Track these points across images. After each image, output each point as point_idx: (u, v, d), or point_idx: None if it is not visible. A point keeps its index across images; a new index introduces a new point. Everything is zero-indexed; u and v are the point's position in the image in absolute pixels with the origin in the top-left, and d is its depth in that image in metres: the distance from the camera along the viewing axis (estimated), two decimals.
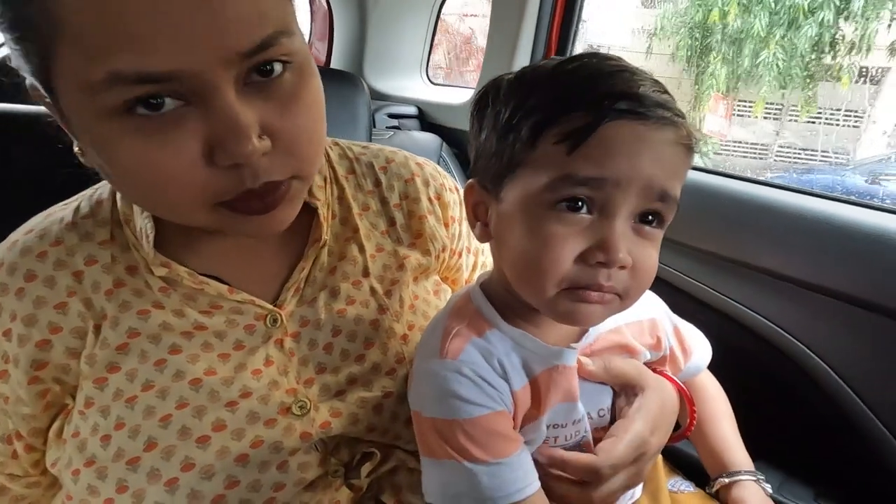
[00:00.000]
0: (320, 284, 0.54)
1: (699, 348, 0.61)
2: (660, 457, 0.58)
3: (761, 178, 1.04)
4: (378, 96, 1.51)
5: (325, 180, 0.57)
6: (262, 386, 0.49)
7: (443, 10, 1.70)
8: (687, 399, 0.56)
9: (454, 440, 0.44)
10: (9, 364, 0.46)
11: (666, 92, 0.42)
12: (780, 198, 0.92)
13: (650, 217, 0.42)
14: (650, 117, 0.40)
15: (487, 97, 0.47)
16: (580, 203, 0.40)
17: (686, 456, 0.81)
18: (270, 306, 0.51)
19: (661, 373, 0.55)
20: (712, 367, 0.63)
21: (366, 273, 0.56)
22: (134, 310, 0.48)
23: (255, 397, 0.48)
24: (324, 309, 0.53)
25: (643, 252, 0.42)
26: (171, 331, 0.48)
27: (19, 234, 0.50)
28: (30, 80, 0.41)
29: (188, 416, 0.46)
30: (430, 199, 0.60)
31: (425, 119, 1.52)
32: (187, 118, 0.38)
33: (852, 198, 0.91)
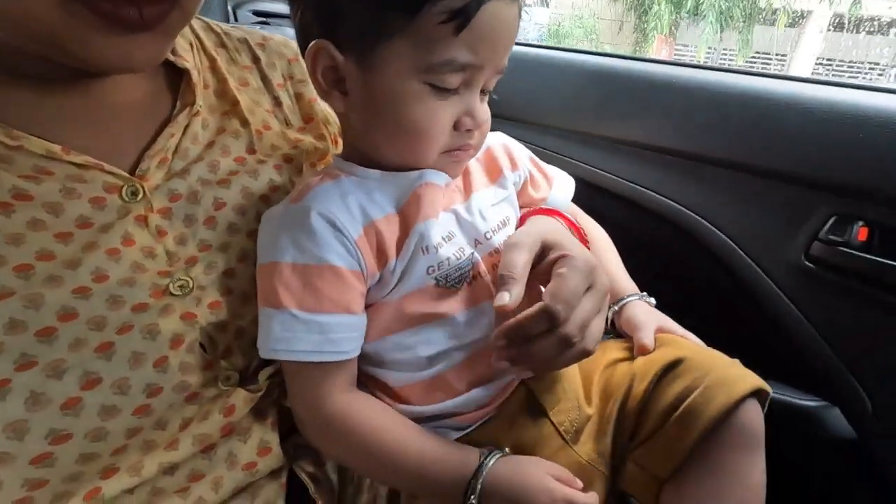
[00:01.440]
0: (195, 157, 0.47)
1: (560, 177, 0.63)
2: None
3: (641, 55, 1.05)
4: None
5: (191, 46, 0.51)
6: (122, 269, 0.41)
7: None
8: (574, 228, 0.57)
9: (279, 282, 0.43)
10: None
11: None
12: (651, 70, 0.92)
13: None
14: None
15: None
16: (454, 80, 0.43)
17: None
18: (126, 174, 0.43)
19: (541, 211, 0.57)
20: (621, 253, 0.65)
21: (251, 149, 0.50)
22: None
23: (115, 280, 0.40)
24: (200, 182, 0.47)
25: (486, 111, 0.48)
26: None
27: None
28: None
29: (17, 308, 0.37)
30: None
31: None
32: None
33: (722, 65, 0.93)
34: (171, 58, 0.47)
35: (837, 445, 0.75)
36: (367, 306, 0.47)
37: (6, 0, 0.34)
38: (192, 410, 0.43)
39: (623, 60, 1.01)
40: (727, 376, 0.47)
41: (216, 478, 0.44)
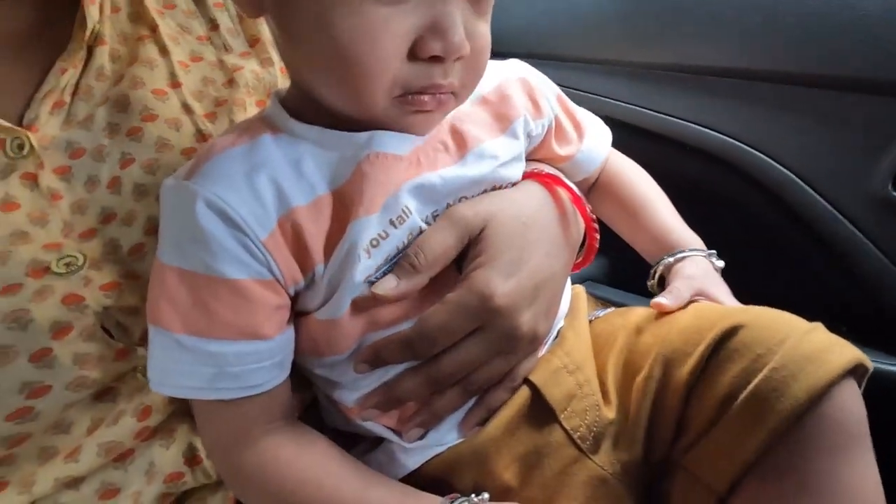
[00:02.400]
0: (100, 98, 0.40)
1: (595, 126, 0.52)
2: (581, 288, 0.50)
3: None
4: None
5: None
6: None
7: None
8: (576, 201, 0.44)
9: (163, 294, 0.34)
10: None
11: None
12: None
13: None
14: None
15: None
16: None
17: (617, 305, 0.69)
18: (9, 125, 0.37)
19: (533, 175, 0.44)
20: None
21: (174, 83, 0.43)
22: None
23: None
24: (106, 131, 0.40)
25: (478, 30, 0.34)
26: None
27: None
28: None
29: None
30: None
31: None
32: None
33: None
34: None
35: None
36: (298, 314, 0.38)
37: None
38: (101, 411, 0.37)
39: None
40: (809, 349, 0.34)
41: (134, 493, 0.37)
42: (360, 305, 0.36)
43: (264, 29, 0.48)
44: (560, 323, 0.45)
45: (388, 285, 0.35)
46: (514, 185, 0.43)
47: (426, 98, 0.33)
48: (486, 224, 0.38)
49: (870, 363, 0.34)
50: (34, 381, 0.34)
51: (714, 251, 0.49)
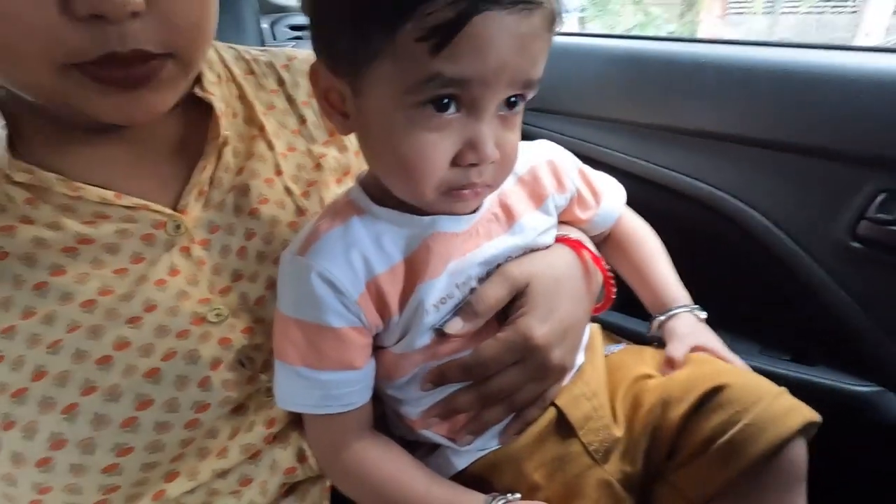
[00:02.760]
0: (228, 186, 0.50)
1: (610, 189, 0.58)
2: (597, 327, 0.58)
3: (660, 35, 1.00)
4: (276, 9, 1.37)
5: (219, 78, 0.53)
6: (168, 297, 0.44)
7: None
8: (594, 259, 0.53)
9: (286, 337, 0.44)
10: None
11: None
12: (682, 51, 0.88)
13: (514, 100, 0.40)
14: (517, 2, 0.35)
15: None
16: (447, 101, 0.37)
17: (628, 330, 0.83)
18: (170, 211, 0.46)
19: (564, 240, 0.52)
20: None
21: (278, 171, 0.52)
22: None
23: (162, 310, 0.43)
24: (234, 212, 0.49)
25: (508, 139, 0.41)
26: (48, 248, 0.42)
27: None
28: None
29: (82, 339, 0.41)
30: None
31: None
32: None
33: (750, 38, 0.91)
34: (199, 93, 0.49)
35: (893, 432, 0.71)
36: (377, 348, 0.47)
37: (15, 71, 0.38)
38: (239, 421, 0.46)
39: (647, 42, 0.98)
40: (774, 411, 0.43)
41: (262, 482, 0.48)
42: (426, 342, 0.45)
43: None
44: (581, 357, 0.53)
45: (456, 326, 0.44)
46: (548, 247, 0.51)
47: (466, 192, 0.41)
48: (530, 281, 0.47)
49: (819, 419, 0.43)
50: (200, 401, 0.43)
51: (697, 305, 0.57)
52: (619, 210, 0.59)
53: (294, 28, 1.31)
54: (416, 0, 0.34)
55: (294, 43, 1.26)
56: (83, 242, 0.43)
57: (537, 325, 0.45)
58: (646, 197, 0.84)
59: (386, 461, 0.46)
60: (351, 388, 0.45)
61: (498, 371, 0.45)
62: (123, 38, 0.36)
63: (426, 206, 0.43)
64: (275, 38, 1.27)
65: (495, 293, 0.45)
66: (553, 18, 0.38)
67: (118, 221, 0.45)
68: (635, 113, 0.91)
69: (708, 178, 0.84)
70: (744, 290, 0.84)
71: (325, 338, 0.43)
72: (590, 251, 0.53)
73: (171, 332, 0.43)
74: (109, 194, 0.44)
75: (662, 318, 0.56)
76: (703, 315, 0.57)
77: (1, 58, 0.37)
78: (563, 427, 0.49)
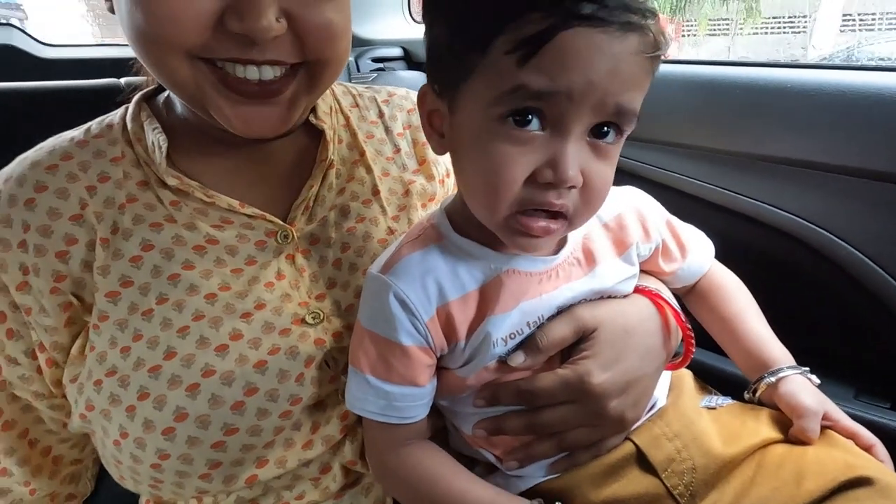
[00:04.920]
0: (330, 204, 0.55)
1: (699, 244, 0.56)
2: (688, 372, 0.56)
3: (742, 60, 0.97)
4: (361, 43, 1.41)
5: (330, 109, 0.58)
6: (274, 298, 0.49)
7: None
8: (675, 315, 0.50)
9: (361, 347, 0.46)
10: (28, 275, 0.46)
11: None
12: (764, 76, 0.83)
13: (606, 129, 0.39)
14: (612, 23, 0.35)
15: None
16: (530, 117, 0.37)
17: (718, 371, 0.80)
18: (281, 222, 0.52)
19: (642, 291, 0.51)
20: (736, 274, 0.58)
21: (375, 192, 0.56)
22: (146, 223, 0.48)
23: (269, 308, 0.48)
24: (333, 227, 0.54)
25: (597, 169, 0.39)
26: (184, 245, 0.48)
27: (28, 152, 0.50)
28: None
29: (205, 327, 0.46)
30: None
31: (411, 59, 1.44)
32: None
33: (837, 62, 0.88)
34: (313, 120, 0.55)
35: None
36: (440, 368, 0.48)
37: (160, 65, 0.43)
38: (320, 416, 0.50)
39: (727, 67, 0.93)
40: None
41: (335, 472, 0.52)
42: (489, 368, 0.46)
43: (429, 153, 0.61)
44: (662, 399, 0.52)
45: (518, 359, 0.45)
46: (625, 296, 0.50)
47: (538, 225, 0.39)
48: (598, 327, 0.47)
49: None
50: (295, 394, 0.47)
51: (807, 368, 0.51)
52: (707, 265, 0.57)
53: (376, 60, 1.35)
54: (510, 15, 0.35)
55: (376, 75, 1.30)
56: (210, 243, 0.49)
57: (597, 372, 0.45)
58: (726, 226, 0.86)
59: (429, 460, 0.48)
60: (412, 402, 0.47)
61: (550, 405, 0.46)
62: (263, 49, 0.42)
63: (498, 229, 0.42)
64: (359, 70, 1.31)
65: (560, 332, 0.46)
66: (654, 46, 0.37)
67: (239, 227, 0.51)
68: (714, 139, 0.88)
69: (792, 208, 0.80)
70: (834, 328, 0.81)
71: (394, 353, 0.45)
72: (669, 304, 0.51)
73: (275, 329, 0.48)
74: (235, 203, 0.50)
75: (772, 379, 0.51)
76: (817, 381, 0.52)
77: (151, 49, 0.42)
78: (644, 467, 0.47)
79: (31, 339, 0.47)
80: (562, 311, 0.47)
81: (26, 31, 1.38)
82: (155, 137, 0.49)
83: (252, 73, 0.43)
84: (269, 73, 0.43)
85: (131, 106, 0.53)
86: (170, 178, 0.48)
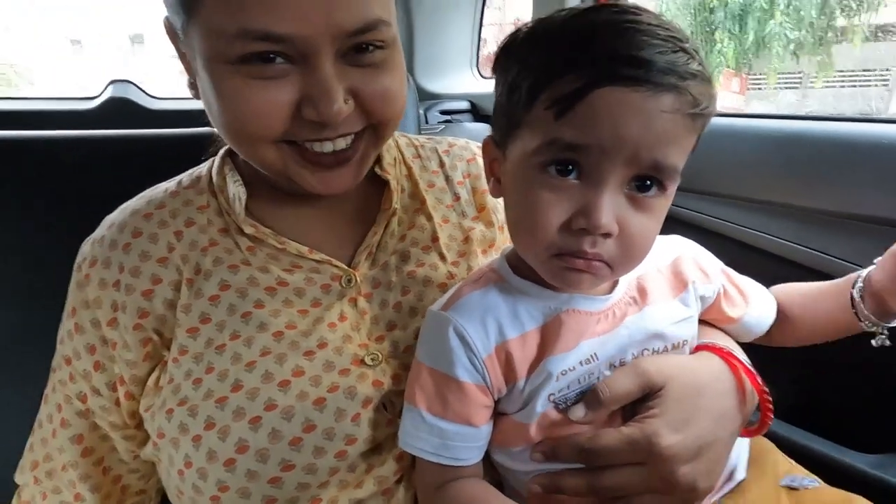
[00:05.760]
0: (391, 250, 0.57)
1: (759, 292, 0.55)
2: (772, 445, 0.54)
3: (812, 114, 0.95)
4: (430, 96, 1.50)
5: (394, 160, 0.61)
6: (336, 338, 0.51)
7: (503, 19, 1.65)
8: (749, 375, 0.47)
9: (417, 382, 0.46)
10: (117, 312, 0.50)
11: (681, 49, 0.38)
12: (838, 130, 0.81)
13: (649, 183, 0.40)
14: (644, 83, 0.37)
15: (506, 50, 0.44)
16: (570, 167, 0.39)
17: (806, 450, 0.74)
18: (346, 267, 0.54)
19: (712, 348, 0.49)
20: None
21: (434, 238, 0.58)
22: (225, 265, 0.52)
23: (331, 348, 0.50)
24: (395, 272, 0.55)
25: (635, 220, 0.40)
26: (257, 286, 0.51)
27: (130, 201, 0.56)
28: (171, 18, 0.48)
29: (271, 363, 0.48)
30: None
31: (478, 112, 1.51)
32: (288, 74, 0.44)
33: None
34: (378, 171, 0.57)
35: None
36: (498, 414, 0.47)
37: (251, 149, 0.48)
38: (375, 459, 0.49)
39: (810, 122, 0.90)
40: None
41: None
42: (547, 416, 0.44)
43: (488, 200, 0.62)
44: (741, 472, 0.49)
45: (578, 413, 0.43)
46: (690, 348, 0.49)
47: (577, 262, 0.41)
48: (667, 383, 0.44)
49: None
50: (350, 434, 0.47)
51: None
52: (773, 314, 0.55)
53: (444, 113, 1.42)
54: (552, 75, 0.39)
55: (444, 126, 1.37)
56: (281, 285, 0.52)
57: (667, 433, 0.42)
58: (798, 281, 0.78)
59: (479, 495, 0.46)
60: (466, 443, 0.46)
61: (613, 466, 0.43)
62: (335, 129, 0.46)
63: (542, 270, 0.43)
64: (427, 122, 1.38)
65: (625, 386, 0.44)
66: (693, 104, 0.38)
67: (307, 271, 0.53)
68: (790, 195, 0.86)
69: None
70: None
71: (451, 389, 0.45)
72: (743, 364, 0.48)
73: (335, 368, 0.49)
74: (305, 249, 0.53)
75: (863, 273, 0.49)
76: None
77: (241, 140, 0.48)
78: None
79: (113, 372, 0.51)
80: (623, 360, 0.45)
81: (141, 86, 1.57)
82: (236, 189, 0.53)
83: (328, 147, 0.47)
84: (342, 143, 0.48)
85: (217, 160, 0.58)
86: (247, 227, 0.52)
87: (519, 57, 0.42)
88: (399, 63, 0.49)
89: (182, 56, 0.50)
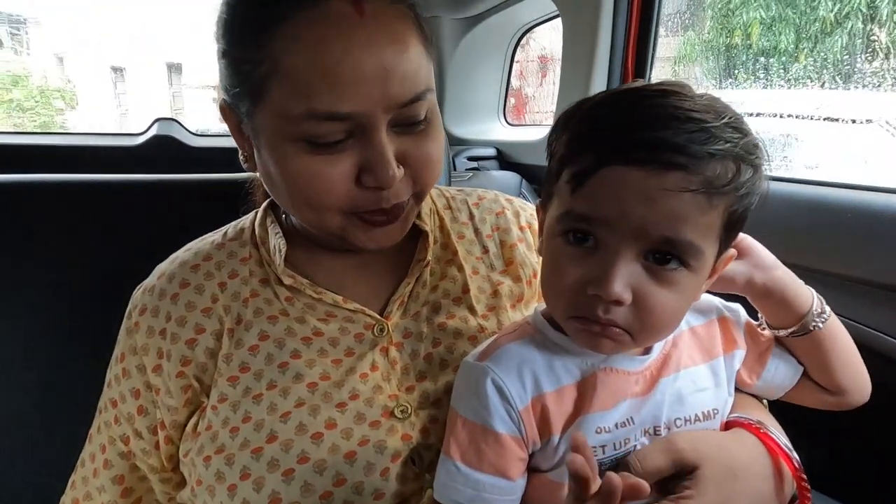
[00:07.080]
0: (423, 300, 0.57)
1: (782, 354, 0.52)
2: None
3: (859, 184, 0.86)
4: (458, 142, 1.53)
5: (429, 211, 0.62)
6: (367, 389, 0.51)
7: (525, 57, 1.70)
8: (786, 459, 0.45)
9: (453, 433, 0.46)
10: (163, 359, 0.52)
11: (702, 129, 0.38)
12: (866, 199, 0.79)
13: (669, 257, 0.40)
14: (650, 162, 0.38)
15: (557, 123, 0.47)
16: (589, 237, 0.41)
17: None
18: (378, 316, 0.54)
19: (747, 426, 0.47)
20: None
21: (465, 289, 0.58)
22: (265, 315, 0.53)
23: (362, 399, 0.50)
24: (426, 322, 0.55)
25: (653, 291, 0.40)
26: (294, 336, 0.52)
27: (179, 252, 0.58)
28: (228, 100, 0.50)
29: (305, 414, 0.48)
30: (520, 228, 0.63)
31: (504, 159, 1.53)
32: (348, 146, 0.47)
33: None
34: (417, 221, 0.57)
35: None
36: (532, 471, 0.46)
37: (314, 217, 0.50)
38: None
39: (843, 190, 0.88)
40: None
41: None
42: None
43: (516, 254, 0.61)
44: None
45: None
46: (723, 417, 0.47)
47: (594, 328, 0.41)
48: (701, 465, 0.42)
49: None
50: (379, 489, 0.46)
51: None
52: (799, 371, 0.52)
53: (471, 159, 1.46)
54: (574, 151, 0.42)
55: (472, 174, 1.39)
56: (317, 335, 0.52)
57: None
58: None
59: None
60: (500, 496, 0.45)
61: None
62: (388, 198, 0.49)
63: (566, 330, 0.44)
64: (455, 168, 1.41)
65: (657, 462, 0.43)
66: (705, 183, 0.38)
67: (341, 321, 0.54)
68: (826, 262, 0.83)
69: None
70: None
71: (487, 440, 0.44)
72: (779, 446, 0.46)
73: (366, 421, 0.49)
74: (339, 299, 0.54)
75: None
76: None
77: (308, 204, 0.49)
78: None
79: (155, 416, 0.52)
80: (658, 429, 0.45)
81: (184, 124, 1.64)
82: (276, 241, 0.55)
83: (381, 215, 0.50)
84: (393, 200, 0.50)
85: (260, 212, 0.60)
86: (286, 278, 0.54)
87: (561, 131, 0.45)
88: (440, 129, 0.52)
89: (239, 134, 0.52)
